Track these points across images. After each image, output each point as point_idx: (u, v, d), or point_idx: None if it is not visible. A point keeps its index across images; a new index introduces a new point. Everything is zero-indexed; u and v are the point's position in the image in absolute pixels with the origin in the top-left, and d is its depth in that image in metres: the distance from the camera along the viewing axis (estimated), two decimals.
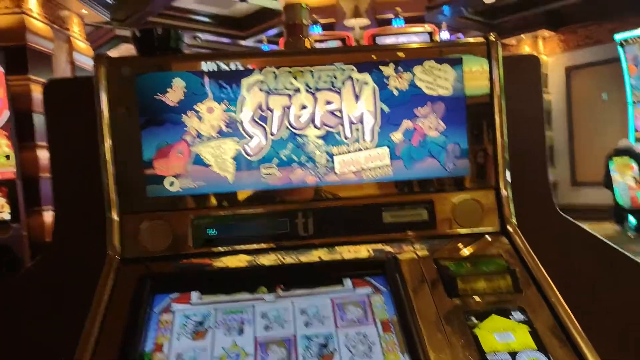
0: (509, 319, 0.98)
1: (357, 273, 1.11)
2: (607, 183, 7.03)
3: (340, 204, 1.22)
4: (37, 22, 6.00)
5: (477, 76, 1.22)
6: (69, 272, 1.15)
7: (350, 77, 1.21)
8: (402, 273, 1.08)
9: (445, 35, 5.94)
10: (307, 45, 1.35)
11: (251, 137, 1.19)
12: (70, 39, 6.81)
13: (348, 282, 1.09)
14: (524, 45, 11.00)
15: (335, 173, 1.21)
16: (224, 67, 1.19)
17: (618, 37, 8.17)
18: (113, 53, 10.41)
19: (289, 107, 1.20)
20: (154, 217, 1.18)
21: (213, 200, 1.19)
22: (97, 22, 8.01)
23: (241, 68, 1.19)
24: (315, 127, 1.21)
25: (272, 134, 1.20)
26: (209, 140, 1.19)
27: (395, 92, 1.21)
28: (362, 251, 1.18)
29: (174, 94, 1.18)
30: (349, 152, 1.21)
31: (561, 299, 1.00)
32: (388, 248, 1.17)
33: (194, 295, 1.06)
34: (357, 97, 1.21)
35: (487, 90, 1.22)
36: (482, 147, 1.23)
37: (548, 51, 10.98)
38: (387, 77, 1.21)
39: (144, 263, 1.14)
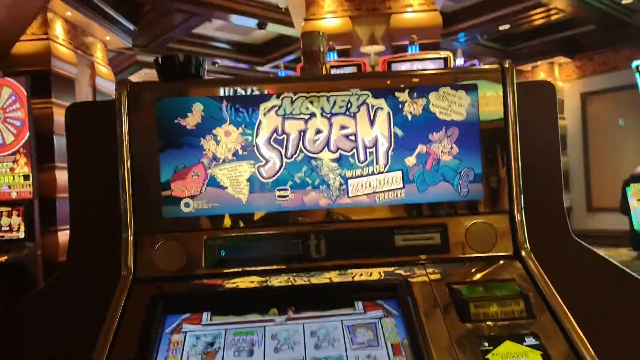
0: (522, 344, 0.97)
1: (368, 296, 1.11)
2: (624, 209, 6.92)
3: (353, 226, 1.22)
4: (62, 47, 6.21)
5: (491, 102, 1.23)
6: (82, 291, 1.17)
7: (366, 103, 1.23)
8: (414, 296, 1.07)
9: (460, 61, 5.98)
10: (324, 71, 1.38)
11: (267, 160, 1.21)
12: (93, 64, 7.02)
13: (359, 305, 1.09)
14: (540, 71, 11.01)
15: (348, 196, 1.22)
16: (242, 92, 1.22)
17: (635, 63, 8.15)
18: (134, 78, 10.68)
19: (304, 131, 1.22)
20: (169, 238, 1.19)
21: (227, 222, 1.21)
22: (120, 48, 8.26)
23: (259, 93, 1.22)
24: (330, 150, 1.22)
25: (287, 157, 1.22)
26: (225, 162, 1.21)
27: (410, 117, 1.23)
28: (374, 274, 1.17)
29: (193, 118, 1.21)
30: (363, 175, 1.22)
31: (576, 325, 0.99)
32: (400, 271, 1.17)
33: (205, 316, 1.07)
34: (371, 122, 1.23)
35: (502, 116, 1.23)
36: (496, 172, 1.23)
37: (564, 77, 10.97)
38: (402, 103, 1.23)
39: (157, 283, 1.15)
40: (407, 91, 1.23)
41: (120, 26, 7.38)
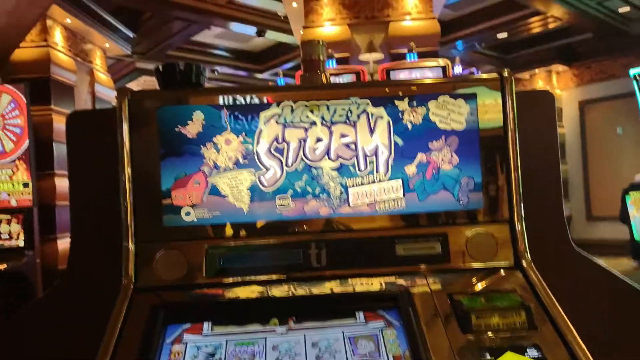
0: (524, 356, 0.96)
1: (369, 306, 1.10)
2: (624, 218, 6.91)
3: (354, 235, 1.22)
4: (61, 55, 6.21)
5: (491, 111, 1.24)
6: (83, 300, 1.16)
7: (366, 111, 1.23)
8: (415, 307, 1.07)
9: (458, 69, 6.00)
10: (324, 80, 1.38)
11: (267, 168, 1.22)
12: (93, 71, 7.03)
13: (360, 316, 1.08)
14: (537, 79, 11.05)
15: (349, 205, 1.22)
16: (242, 101, 1.23)
17: (632, 71, 8.18)
18: (133, 85, 10.71)
19: (304, 140, 1.22)
20: (169, 247, 1.19)
21: (227, 231, 1.21)
22: (119, 55, 8.27)
23: (259, 102, 1.23)
24: (330, 159, 1.22)
25: (287, 166, 1.22)
26: (226, 171, 1.21)
27: (410, 126, 1.23)
28: (375, 284, 1.17)
29: (194, 127, 1.21)
30: (363, 184, 1.23)
31: (577, 337, 0.99)
32: (401, 281, 1.17)
33: (206, 326, 1.07)
34: (371, 131, 1.23)
35: (501, 125, 1.23)
36: (496, 181, 1.23)
37: (562, 85, 11.02)
38: (402, 112, 1.23)
39: (157, 292, 1.15)
40: (406, 100, 1.23)
41: (119, 33, 7.40)
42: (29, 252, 4.97)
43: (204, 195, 1.20)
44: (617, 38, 9.34)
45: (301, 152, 1.22)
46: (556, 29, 9.62)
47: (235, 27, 8.79)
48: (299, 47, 1.40)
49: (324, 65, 1.41)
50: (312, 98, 1.23)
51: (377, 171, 1.23)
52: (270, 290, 1.16)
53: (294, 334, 1.05)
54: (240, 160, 1.21)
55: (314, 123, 1.22)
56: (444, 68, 5.05)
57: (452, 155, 1.23)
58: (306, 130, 1.22)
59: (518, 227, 1.21)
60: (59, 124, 5.81)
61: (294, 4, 6.78)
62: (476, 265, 1.22)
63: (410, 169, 1.23)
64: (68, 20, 6.30)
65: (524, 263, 1.19)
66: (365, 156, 1.23)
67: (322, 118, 1.23)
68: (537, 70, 10.98)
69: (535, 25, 9.46)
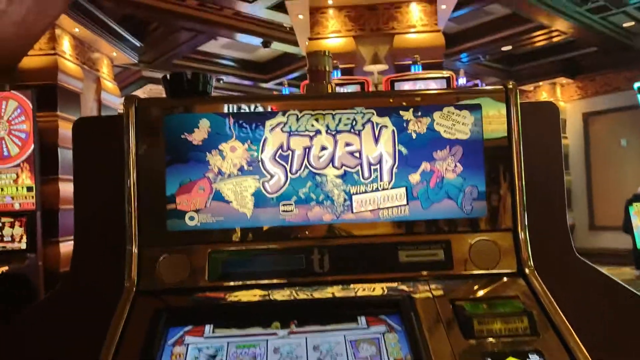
0: None
1: (371, 311, 1.11)
2: (627, 228, 6.91)
3: (357, 241, 1.23)
4: (68, 63, 6.28)
5: (495, 122, 1.25)
6: (85, 303, 1.17)
7: (370, 121, 1.24)
8: (417, 312, 1.08)
9: (462, 81, 6.02)
10: (329, 90, 1.40)
11: (272, 175, 1.22)
12: (99, 79, 7.10)
13: (362, 320, 1.09)
14: (542, 91, 11.08)
15: (352, 212, 1.23)
16: (248, 109, 1.24)
17: (637, 85, 8.20)
18: (139, 93, 10.78)
19: (309, 148, 1.23)
20: (173, 251, 1.20)
21: (231, 235, 1.22)
22: (125, 64, 8.35)
23: (265, 110, 1.24)
24: (335, 167, 1.23)
25: (291, 173, 1.23)
26: (230, 177, 1.22)
27: (414, 136, 1.24)
28: (377, 289, 1.17)
29: (200, 134, 1.22)
30: (367, 191, 1.23)
31: (580, 343, 0.98)
32: (403, 287, 1.17)
33: (207, 328, 1.07)
34: (376, 140, 1.24)
35: (505, 135, 1.24)
36: (499, 190, 1.24)
37: (566, 98, 11.04)
38: (407, 121, 1.24)
39: (160, 296, 1.16)
40: (411, 110, 1.25)
41: (126, 42, 7.48)
42: (31, 255, 5.00)
43: (208, 201, 1.21)
44: (621, 52, 9.36)
45: (306, 160, 1.23)
46: (560, 43, 9.65)
47: (242, 37, 8.86)
48: (303, 58, 1.42)
49: (330, 75, 1.42)
50: (317, 107, 1.24)
51: (381, 179, 1.23)
52: (272, 294, 1.16)
53: (295, 337, 1.05)
54: (245, 167, 1.22)
55: (319, 132, 1.24)
56: (448, 79, 5.08)
57: (456, 165, 1.24)
58: (311, 138, 1.23)
59: (521, 235, 1.22)
60: (65, 130, 5.86)
61: (300, 16, 6.84)
62: (479, 272, 1.22)
63: (414, 178, 1.24)
64: (76, 30, 6.38)
65: (527, 271, 1.19)
66: (370, 164, 1.24)
67: (327, 127, 1.24)
68: (541, 83, 11.01)
69: (540, 39, 9.49)
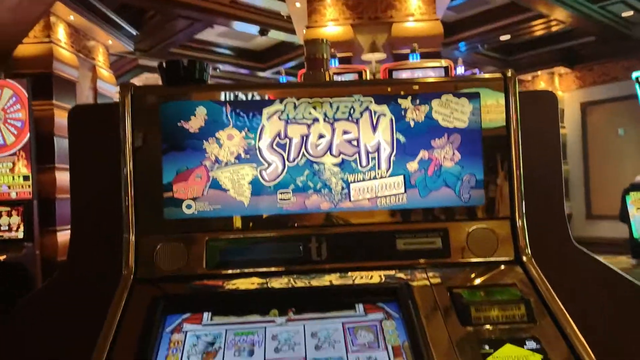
0: (523, 348, 0.97)
1: (369, 299, 1.11)
2: (624, 217, 6.95)
3: (354, 230, 1.23)
4: (64, 51, 6.23)
5: (493, 110, 1.24)
6: (82, 291, 1.17)
7: (368, 109, 1.24)
8: (414, 300, 1.08)
9: (461, 70, 6.00)
10: (327, 78, 1.39)
11: (269, 163, 1.22)
12: (95, 67, 7.04)
13: (360, 307, 1.09)
14: (540, 81, 11.06)
15: (350, 200, 1.22)
16: (245, 97, 1.23)
17: (635, 75, 8.19)
18: (135, 81, 10.69)
19: (307, 136, 1.23)
20: (170, 239, 1.20)
21: (228, 224, 1.21)
22: (121, 52, 8.29)
23: (262, 98, 1.23)
24: (332, 155, 1.23)
25: (289, 161, 1.22)
26: (227, 165, 1.21)
27: (412, 124, 1.24)
28: (375, 277, 1.18)
29: (196, 122, 1.21)
30: (364, 179, 1.23)
31: (577, 330, 0.99)
32: (401, 275, 1.17)
33: (205, 316, 1.07)
34: (374, 128, 1.24)
35: (504, 124, 1.24)
36: (497, 179, 1.24)
37: (564, 87, 11.02)
38: (405, 109, 1.24)
39: (157, 284, 1.16)
40: (409, 98, 1.24)
41: (122, 31, 7.41)
42: (28, 244, 5.00)
43: (205, 189, 1.21)
44: (619, 41, 9.34)
45: (303, 148, 1.23)
46: (559, 32, 9.61)
47: (238, 26, 8.79)
48: (301, 46, 1.41)
49: (328, 63, 1.41)
50: (315, 95, 1.23)
51: (378, 167, 1.23)
52: (270, 282, 1.16)
53: (293, 324, 1.05)
54: (242, 155, 1.22)
55: (316, 120, 1.23)
56: (446, 68, 5.05)
57: (454, 153, 1.24)
58: (308, 126, 1.23)
59: (519, 223, 1.22)
60: (60, 118, 5.83)
61: (298, 4, 6.78)
62: (476, 260, 1.22)
63: (412, 166, 1.23)
64: (72, 17, 6.32)
65: (524, 258, 1.19)
66: (367, 152, 1.23)
67: (325, 115, 1.23)
68: (539, 72, 10.99)
69: (538, 28, 9.45)
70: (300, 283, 1.16)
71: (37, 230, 5.16)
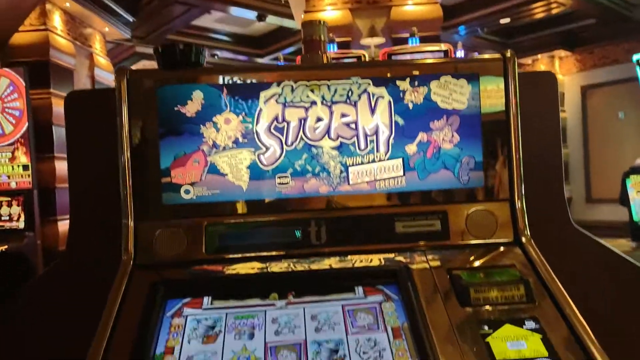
0: (522, 328, 0.97)
1: (368, 282, 1.11)
2: (624, 200, 6.96)
3: (353, 213, 1.23)
4: (60, 38, 6.18)
5: (493, 91, 1.23)
6: (83, 278, 1.17)
7: (366, 91, 1.22)
8: (414, 282, 1.08)
9: (460, 54, 5.95)
10: (324, 60, 1.37)
11: (267, 147, 1.21)
12: (92, 55, 6.99)
13: (359, 290, 1.09)
14: (540, 64, 10.99)
15: (348, 183, 1.22)
16: (242, 80, 1.22)
17: (635, 57, 8.13)
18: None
19: (305, 119, 1.22)
20: (169, 225, 1.19)
21: (227, 208, 1.21)
22: (118, 39, 8.21)
23: (260, 81, 1.22)
24: (330, 138, 1.22)
25: (287, 145, 1.21)
26: (225, 150, 1.21)
27: (411, 106, 1.23)
28: (374, 260, 1.18)
29: (193, 106, 1.20)
30: (363, 163, 1.22)
31: (576, 310, 0.99)
32: (400, 257, 1.17)
33: (206, 300, 1.07)
34: (372, 110, 1.23)
35: (503, 105, 1.23)
36: (497, 161, 1.23)
37: (564, 71, 10.96)
38: (403, 91, 1.23)
39: (157, 269, 1.16)
40: (408, 80, 1.23)
41: (119, 17, 7.34)
42: (29, 234, 5.02)
43: (203, 174, 1.20)
44: (620, 24, 9.25)
45: (301, 132, 1.22)
46: (559, 15, 9.52)
47: (236, 11, 8.70)
48: (299, 32, 1.39)
49: (325, 45, 1.40)
50: (312, 78, 1.22)
51: (377, 150, 1.22)
52: (270, 266, 1.16)
53: (293, 307, 1.05)
54: (240, 139, 1.21)
55: (314, 103, 1.22)
56: (445, 52, 5.02)
57: (453, 135, 1.23)
58: (306, 109, 1.22)
59: (518, 204, 1.22)
60: (59, 107, 5.80)
61: None
62: (475, 242, 1.22)
63: (411, 148, 1.23)
64: (67, 4, 6.25)
65: (523, 240, 1.19)
66: (366, 135, 1.23)
67: (323, 98, 1.22)
68: (539, 56, 10.92)
69: (539, 11, 9.36)
70: (299, 267, 1.16)
71: (37, 220, 5.18)
